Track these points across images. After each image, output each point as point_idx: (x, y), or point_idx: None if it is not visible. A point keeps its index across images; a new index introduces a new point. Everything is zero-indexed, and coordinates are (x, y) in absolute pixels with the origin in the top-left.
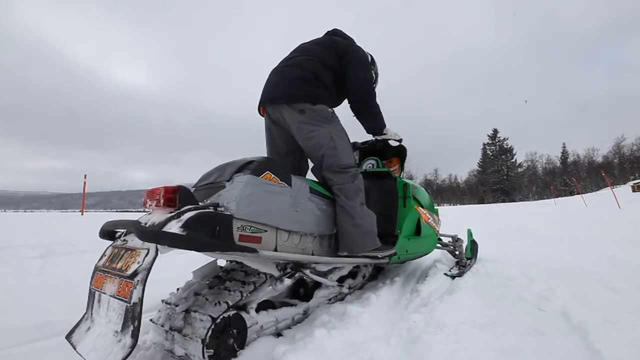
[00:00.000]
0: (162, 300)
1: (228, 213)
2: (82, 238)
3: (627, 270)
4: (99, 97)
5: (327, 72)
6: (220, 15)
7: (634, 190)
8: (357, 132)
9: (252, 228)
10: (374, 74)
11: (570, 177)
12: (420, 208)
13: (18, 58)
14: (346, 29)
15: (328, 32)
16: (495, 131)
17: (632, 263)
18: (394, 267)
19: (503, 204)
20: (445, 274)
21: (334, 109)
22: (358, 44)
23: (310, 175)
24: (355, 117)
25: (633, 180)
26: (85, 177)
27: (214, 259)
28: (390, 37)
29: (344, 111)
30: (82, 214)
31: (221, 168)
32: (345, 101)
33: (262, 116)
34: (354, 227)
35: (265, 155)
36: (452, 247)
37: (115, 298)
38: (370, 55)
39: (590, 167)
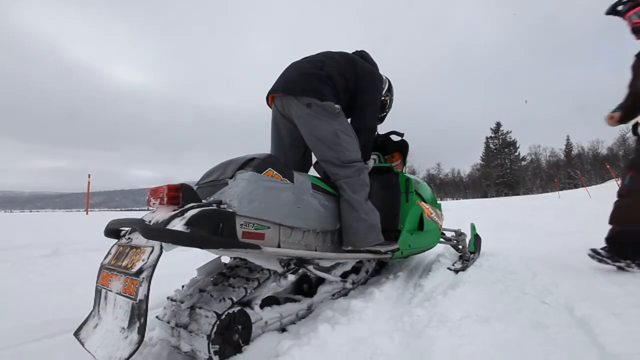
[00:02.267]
0: (168, 297)
1: (231, 210)
2: (87, 237)
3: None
4: (101, 97)
5: (340, 80)
6: (220, 14)
7: None
8: None
9: (255, 225)
10: (388, 100)
11: (574, 169)
12: (422, 203)
13: (20, 59)
14: (347, 28)
15: (356, 51)
16: (498, 124)
17: None
18: (397, 262)
19: (507, 197)
20: (448, 268)
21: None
22: (367, 52)
23: (313, 170)
24: None
25: None
26: (89, 177)
27: (217, 256)
28: (391, 35)
29: None
30: (87, 213)
31: (223, 165)
32: None
33: (270, 107)
34: (358, 221)
35: (268, 152)
36: (455, 241)
37: (122, 295)
38: (389, 81)
39: (595, 160)
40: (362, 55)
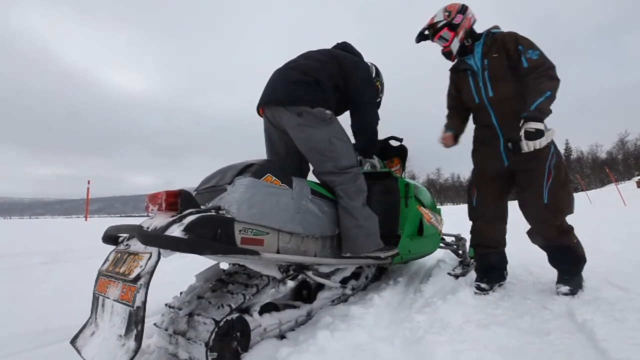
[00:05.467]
0: (166, 304)
1: (229, 216)
2: (86, 244)
3: (634, 269)
4: (100, 102)
5: (328, 81)
6: (219, 16)
7: (639, 186)
8: None
9: (253, 231)
10: (379, 85)
11: (574, 173)
12: (422, 208)
13: (19, 65)
14: (347, 28)
15: (338, 44)
16: None
17: None
18: (397, 267)
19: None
20: (448, 273)
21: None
22: (364, 52)
23: (311, 177)
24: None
25: (638, 175)
26: (89, 183)
27: (216, 262)
28: (391, 36)
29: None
30: (86, 220)
31: (222, 171)
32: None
33: (261, 117)
34: (357, 228)
35: (266, 158)
36: (455, 246)
37: (119, 302)
38: (375, 67)
39: (594, 164)
40: (345, 48)
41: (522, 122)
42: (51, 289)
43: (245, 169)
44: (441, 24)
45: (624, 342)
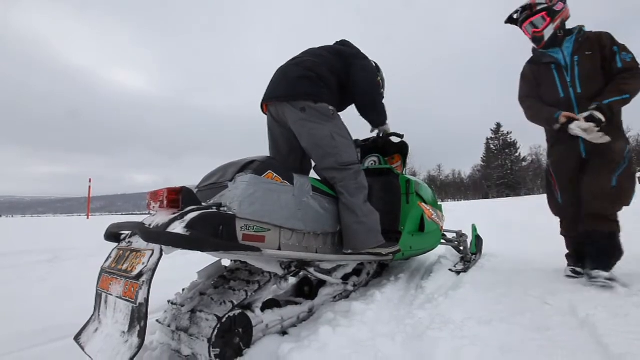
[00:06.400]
0: (168, 301)
1: (231, 213)
2: (88, 242)
3: (637, 264)
4: (100, 102)
5: (332, 76)
6: (219, 16)
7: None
8: (359, 131)
9: (255, 227)
10: (380, 80)
11: None
12: (423, 204)
13: (19, 64)
14: (348, 28)
15: (337, 42)
16: (499, 125)
17: None
18: (398, 263)
19: (508, 198)
20: (450, 269)
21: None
22: (363, 50)
23: (313, 174)
24: (360, 114)
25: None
26: (90, 181)
27: (218, 259)
28: (392, 36)
29: (347, 110)
30: (87, 218)
31: (223, 168)
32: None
33: (265, 113)
34: (358, 224)
35: (267, 155)
36: (456, 242)
37: (122, 299)
38: (376, 63)
39: None
40: (344, 44)
41: (593, 105)
42: (52, 286)
43: (246, 166)
44: (541, 7)
45: (626, 338)
